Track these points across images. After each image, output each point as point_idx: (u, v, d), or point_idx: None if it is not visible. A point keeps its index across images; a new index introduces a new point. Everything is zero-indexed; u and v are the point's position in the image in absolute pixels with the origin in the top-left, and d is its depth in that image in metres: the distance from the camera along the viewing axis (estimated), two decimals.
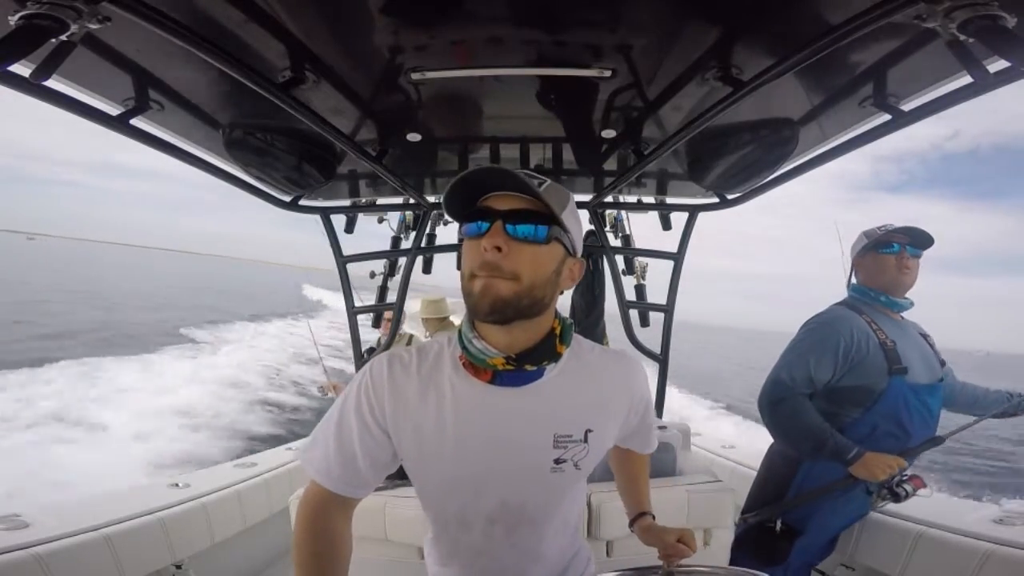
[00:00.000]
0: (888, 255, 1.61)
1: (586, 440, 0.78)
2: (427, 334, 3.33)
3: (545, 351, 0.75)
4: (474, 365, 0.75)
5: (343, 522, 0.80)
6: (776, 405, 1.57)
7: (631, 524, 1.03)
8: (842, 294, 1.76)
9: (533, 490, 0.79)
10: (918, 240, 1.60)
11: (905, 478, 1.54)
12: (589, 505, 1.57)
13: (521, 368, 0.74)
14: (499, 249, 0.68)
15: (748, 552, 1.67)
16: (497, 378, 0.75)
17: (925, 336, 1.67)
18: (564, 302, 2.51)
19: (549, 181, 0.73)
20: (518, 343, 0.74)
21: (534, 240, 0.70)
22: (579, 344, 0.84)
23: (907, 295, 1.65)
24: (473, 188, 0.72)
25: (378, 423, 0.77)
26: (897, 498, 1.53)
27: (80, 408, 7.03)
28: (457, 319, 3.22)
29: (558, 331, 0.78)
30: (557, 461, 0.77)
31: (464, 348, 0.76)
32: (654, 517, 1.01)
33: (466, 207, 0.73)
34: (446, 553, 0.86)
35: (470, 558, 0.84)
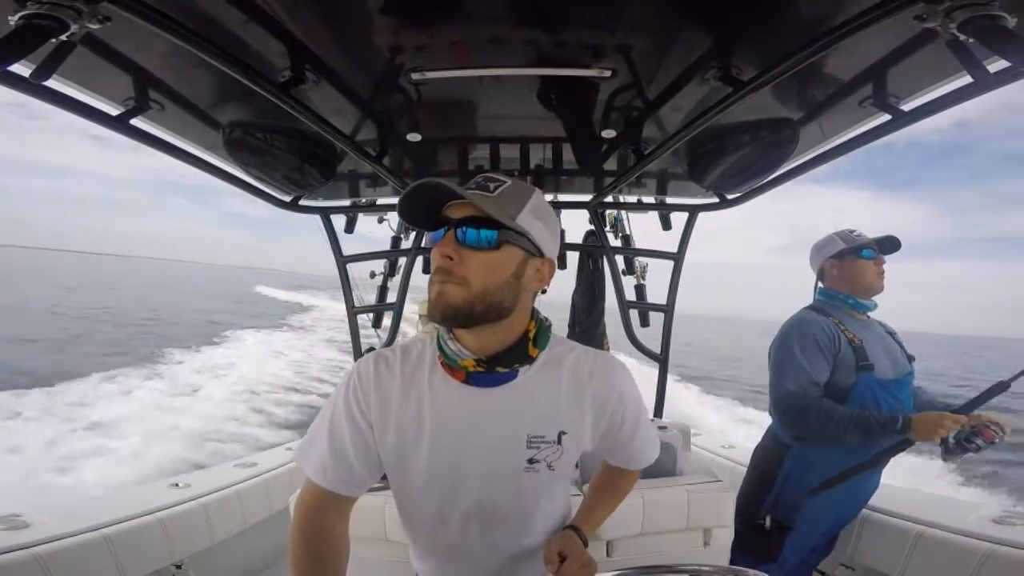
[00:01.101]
0: (867, 260, 1.67)
1: (559, 442, 0.79)
2: (422, 330, 3.32)
3: (516, 354, 0.76)
4: (449, 365, 0.77)
5: (340, 522, 0.80)
6: (802, 416, 1.53)
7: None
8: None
9: (507, 490, 0.80)
10: (890, 246, 1.69)
11: (974, 431, 1.49)
12: None
13: (492, 370, 0.75)
14: (450, 257, 0.70)
15: (745, 551, 1.68)
16: (470, 379, 0.77)
17: (892, 333, 1.71)
18: (565, 301, 2.52)
19: (509, 182, 0.74)
20: (488, 346, 0.75)
21: (483, 246, 0.71)
22: (559, 345, 0.84)
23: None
24: (434, 197, 0.73)
25: (367, 421, 0.79)
26: (967, 452, 1.49)
27: None
28: None
29: (532, 334, 0.78)
30: (530, 461, 0.78)
31: (440, 349, 0.78)
32: (586, 543, 0.89)
33: (432, 215, 0.75)
34: (425, 550, 0.88)
35: (448, 554, 0.85)
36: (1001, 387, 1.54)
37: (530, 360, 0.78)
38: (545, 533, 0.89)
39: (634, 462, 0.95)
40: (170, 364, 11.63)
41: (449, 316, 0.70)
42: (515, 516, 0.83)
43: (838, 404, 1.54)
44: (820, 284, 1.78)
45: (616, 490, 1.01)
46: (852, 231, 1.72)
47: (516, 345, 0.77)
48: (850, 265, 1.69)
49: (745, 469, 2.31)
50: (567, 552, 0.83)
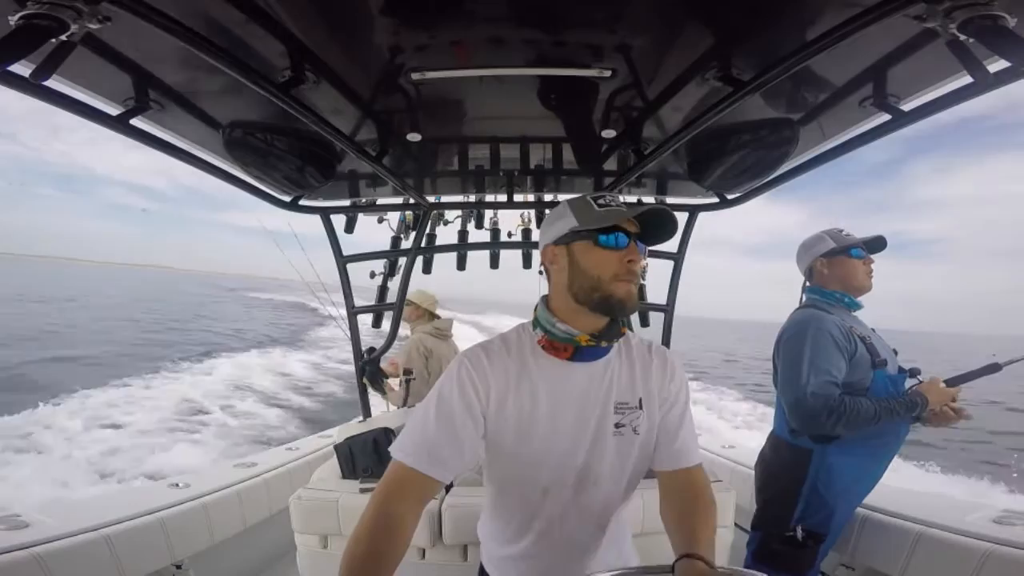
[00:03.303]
0: (858, 260, 1.64)
1: (641, 407, 0.91)
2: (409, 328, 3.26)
3: (615, 331, 0.89)
4: (554, 345, 0.88)
5: (414, 516, 0.81)
6: (827, 418, 1.45)
7: (672, 565, 0.82)
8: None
9: (601, 454, 0.90)
10: (878, 246, 1.67)
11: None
12: None
13: (599, 344, 0.87)
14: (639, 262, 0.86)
15: (774, 565, 1.58)
16: (577, 354, 0.88)
17: (873, 330, 1.68)
18: None
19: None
20: (596, 326, 0.88)
21: (645, 256, 0.89)
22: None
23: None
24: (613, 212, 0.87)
25: (481, 406, 0.86)
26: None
27: None
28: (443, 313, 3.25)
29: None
30: (617, 425, 0.89)
31: (547, 331, 0.88)
32: (711, 566, 0.77)
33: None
34: (518, 530, 0.95)
35: (542, 529, 0.93)
36: (993, 368, 1.56)
37: (621, 336, 0.91)
38: (625, 498, 0.97)
39: (683, 457, 0.93)
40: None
41: (634, 307, 0.86)
42: (605, 479, 0.91)
43: (860, 399, 1.47)
44: (808, 283, 1.73)
45: (706, 504, 0.90)
46: (840, 230, 1.69)
47: (612, 324, 0.89)
48: (840, 264, 1.66)
49: (744, 469, 2.30)
50: None
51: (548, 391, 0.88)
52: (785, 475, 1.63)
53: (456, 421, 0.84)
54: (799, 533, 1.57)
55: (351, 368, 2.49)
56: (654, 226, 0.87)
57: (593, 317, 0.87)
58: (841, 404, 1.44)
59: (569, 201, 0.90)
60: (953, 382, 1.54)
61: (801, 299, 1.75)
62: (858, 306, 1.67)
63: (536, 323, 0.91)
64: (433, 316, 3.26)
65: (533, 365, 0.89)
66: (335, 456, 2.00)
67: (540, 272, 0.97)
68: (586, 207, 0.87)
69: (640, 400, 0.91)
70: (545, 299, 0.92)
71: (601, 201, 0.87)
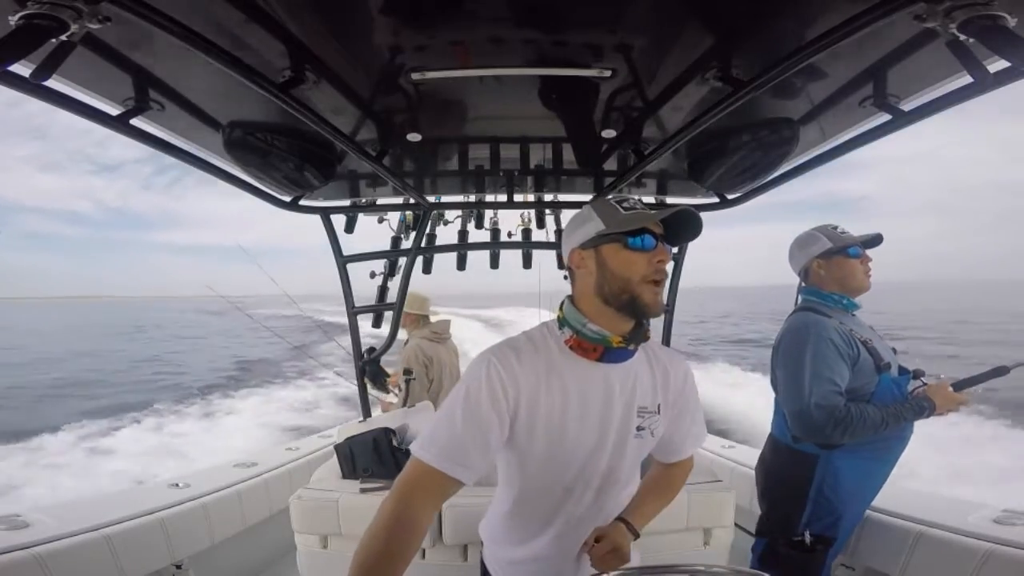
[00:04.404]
0: (855, 259, 1.59)
1: (659, 412, 0.93)
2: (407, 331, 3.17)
3: (642, 334, 0.90)
4: (583, 346, 0.87)
5: (430, 514, 0.82)
6: (833, 429, 1.42)
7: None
8: None
9: (623, 455, 0.91)
10: (874, 243, 1.62)
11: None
12: None
13: (627, 346, 0.88)
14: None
15: (782, 571, 1.54)
16: (606, 355, 0.88)
17: (871, 328, 1.64)
18: None
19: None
20: (624, 328, 0.88)
21: (671, 255, 0.91)
22: None
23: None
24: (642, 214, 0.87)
25: (508, 405, 0.85)
26: None
27: None
28: (435, 318, 3.18)
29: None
30: (639, 428, 0.91)
31: (577, 332, 0.88)
32: (637, 536, 0.98)
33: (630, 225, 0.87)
34: (535, 530, 0.96)
35: (563, 528, 0.94)
36: (1000, 371, 1.53)
37: (647, 339, 0.91)
38: (632, 494, 1.01)
39: (680, 451, 1.04)
40: None
41: (661, 311, 0.87)
42: (623, 479, 0.94)
43: (865, 406, 1.44)
44: (803, 283, 1.69)
45: (668, 486, 1.07)
46: (835, 227, 1.63)
47: (638, 326, 0.89)
48: (839, 264, 1.60)
49: (745, 469, 2.30)
50: (604, 535, 0.92)
51: (577, 391, 0.87)
52: (790, 479, 1.60)
53: (484, 421, 0.83)
54: (807, 538, 1.54)
55: None
56: (679, 226, 0.88)
57: (620, 319, 0.87)
58: (847, 415, 1.40)
59: (593, 204, 0.91)
60: (960, 386, 1.51)
61: (796, 300, 1.69)
62: (856, 307, 1.63)
63: (563, 323, 0.90)
64: (427, 320, 3.11)
65: (561, 365, 0.88)
66: (335, 456, 2.00)
67: (564, 277, 0.99)
68: (612, 210, 0.87)
69: (659, 406, 0.93)
70: (571, 299, 0.92)
71: (626, 204, 0.88)
